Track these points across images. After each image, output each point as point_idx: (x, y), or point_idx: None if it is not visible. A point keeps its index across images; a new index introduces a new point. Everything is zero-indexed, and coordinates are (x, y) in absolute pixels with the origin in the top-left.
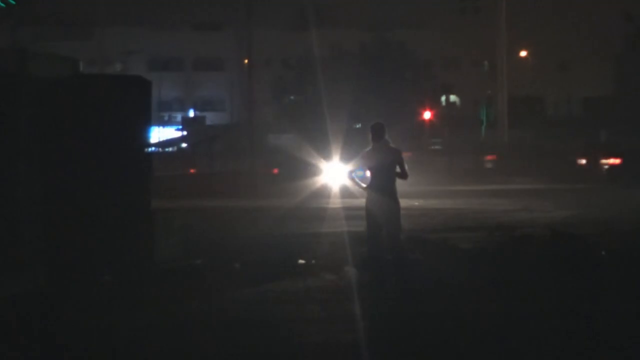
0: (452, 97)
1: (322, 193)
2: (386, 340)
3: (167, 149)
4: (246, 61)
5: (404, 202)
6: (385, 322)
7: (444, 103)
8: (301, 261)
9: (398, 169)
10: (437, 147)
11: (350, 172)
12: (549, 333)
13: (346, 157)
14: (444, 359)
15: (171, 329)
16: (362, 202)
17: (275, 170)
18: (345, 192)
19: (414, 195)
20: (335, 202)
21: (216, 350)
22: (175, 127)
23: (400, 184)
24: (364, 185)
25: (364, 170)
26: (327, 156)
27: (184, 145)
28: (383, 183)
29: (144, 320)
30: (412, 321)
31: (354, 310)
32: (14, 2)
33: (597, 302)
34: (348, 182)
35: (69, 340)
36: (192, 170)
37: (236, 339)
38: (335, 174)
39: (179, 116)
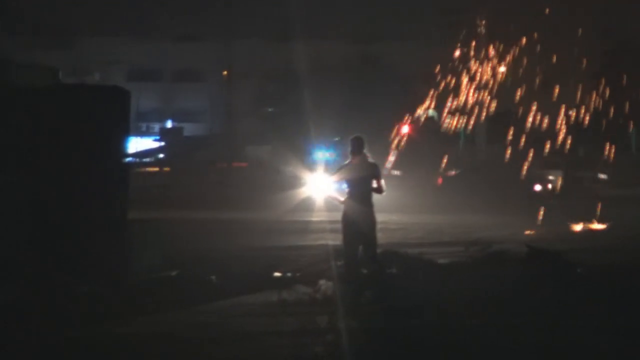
0: (431, 112)
1: (306, 205)
2: (359, 354)
3: (144, 160)
4: (225, 73)
5: (382, 216)
6: (359, 336)
7: (422, 117)
8: (277, 274)
9: (375, 184)
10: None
11: (331, 185)
12: (519, 349)
13: (329, 169)
14: None
15: (145, 341)
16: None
17: None
18: (329, 205)
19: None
20: (318, 215)
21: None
22: (153, 138)
23: None
24: (341, 198)
25: (341, 183)
26: (310, 168)
27: (161, 155)
28: (360, 196)
29: (118, 332)
30: (386, 335)
31: (328, 324)
32: None
33: (572, 317)
34: (327, 195)
35: (41, 353)
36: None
37: (209, 351)
38: (319, 186)
39: (157, 127)
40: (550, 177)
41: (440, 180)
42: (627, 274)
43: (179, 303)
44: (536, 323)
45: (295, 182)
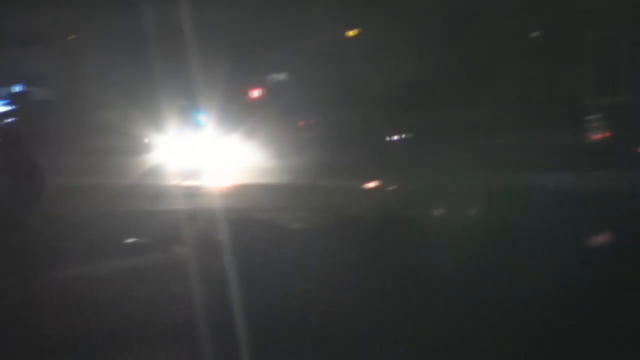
0: (281, 76)
1: (158, 171)
2: (210, 319)
3: None
4: (71, 36)
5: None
6: (210, 302)
7: (272, 81)
8: (130, 240)
9: None
10: None
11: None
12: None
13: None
14: (263, 334)
15: None
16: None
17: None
18: (182, 169)
19: None
20: (171, 180)
21: (34, 329)
22: (2, 102)
23: None
24: None
25: None
26: (159, 132)
27: (10, 120)
28: None
29: None
30: (236, 300)
31: (180, 290)
32: None
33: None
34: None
35: None
36: None
37: (57, 318)
38: (171, 151)
39: (3, 91)
40: None
41: None
42: None
43: (26, 270)
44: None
45: (148, 147)
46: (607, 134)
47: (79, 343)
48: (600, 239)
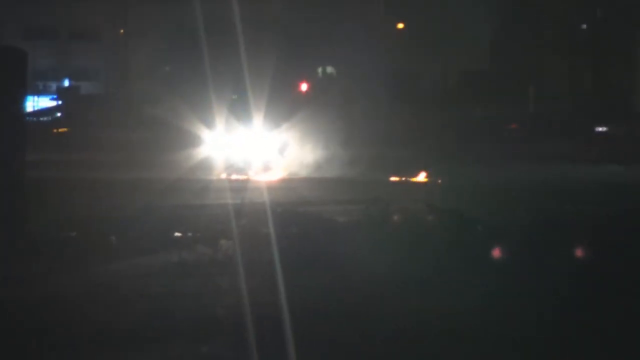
0: (329, 69)
1: (206, 165)
2: (256, 314)
3: (41, 118)
4: (122, 31)
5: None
6: (257, 296)
7: (320, 75)
8: (178, 234)
9: None
10: None
11: None
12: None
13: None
14: (314, 330)
15: (35, 304)
16: (246, 174)
17: None
18: (228, 164)
19: None
20: (219, 174)
21: (81, 323)
22: (50, 97)
23: None
24: None
25: None
26: (209, 126)
27: (58, 114)
28: None
29: (5, 295)
30: (285, 295)
31: (227, 284)
32: None
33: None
34: None
35: None
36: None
37: (106, 312)
38: (219, 145)
39: (54, 85)
40: None
41: None
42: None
43: (75, 264)
44: (420, 279)
45: (195, 141)
46: None
47: (125, 336)
48: None
